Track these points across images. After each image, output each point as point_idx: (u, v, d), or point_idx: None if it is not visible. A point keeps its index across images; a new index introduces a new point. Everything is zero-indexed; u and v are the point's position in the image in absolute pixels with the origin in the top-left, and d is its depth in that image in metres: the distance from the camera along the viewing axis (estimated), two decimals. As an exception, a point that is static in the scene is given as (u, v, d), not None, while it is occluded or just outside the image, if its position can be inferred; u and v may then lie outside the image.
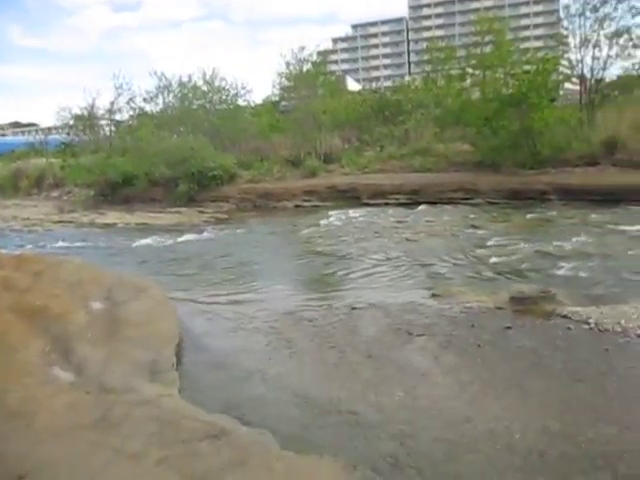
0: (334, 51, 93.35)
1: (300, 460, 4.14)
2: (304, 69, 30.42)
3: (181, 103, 33.02)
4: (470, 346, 6.54)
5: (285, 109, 34.90)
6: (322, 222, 16.97)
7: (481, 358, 6.22)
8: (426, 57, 36.27)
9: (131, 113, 35.10)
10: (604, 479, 4.12)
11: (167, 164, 25.38)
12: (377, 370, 6.09)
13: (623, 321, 6.87)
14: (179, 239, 16.03)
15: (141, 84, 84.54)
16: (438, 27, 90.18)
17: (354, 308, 8.18)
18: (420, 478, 4.24)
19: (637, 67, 24.50)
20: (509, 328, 6.99)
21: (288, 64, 30.28)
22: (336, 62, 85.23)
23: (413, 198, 19.14)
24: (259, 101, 37.04)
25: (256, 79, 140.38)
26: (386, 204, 19.29)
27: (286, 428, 4.97)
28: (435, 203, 18.32)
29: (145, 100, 33.83)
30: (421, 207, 17.96)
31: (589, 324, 6.89)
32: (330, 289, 9.81)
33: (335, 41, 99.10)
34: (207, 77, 32.29)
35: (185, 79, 32.75)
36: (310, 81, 30.28)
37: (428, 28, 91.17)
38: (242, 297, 9.28)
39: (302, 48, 30.17)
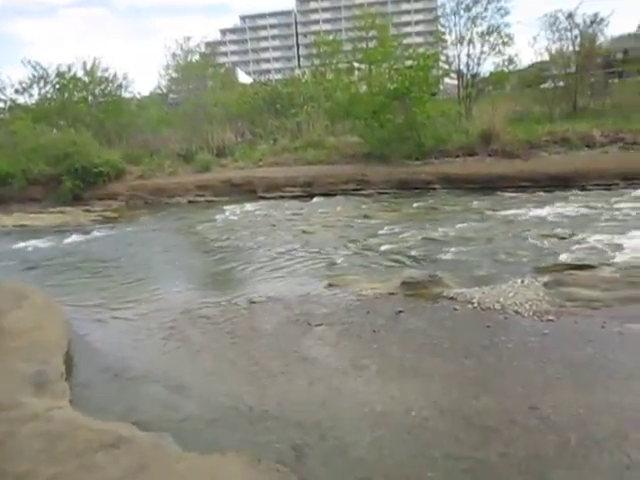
0: (223, 42, 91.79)
1: (203, 460, 4.11)
2: (191, 60, 29.69)
3: (60, 95, 30.90)
4: (366, 332, 6.82)
5: (174, 102, 33.89)
6: (218, 217, 16.75)
7: (376, 343, 6.51)
8: (315, 51, 36.81)
9: (1, 105, 32.29)
10: (488, 446, 4.50)
11: (47, 160, 23.71)
12: (278, 362, 6.17)
13: (502, 299, 7.50)
14: (65, 241, 15.07)
15: (12, 74, 78.03)
16: (325, 21, 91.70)
17: (253, 302, 8.21)
18: (325, 465, 4.37)
19: (507, 63, 26.58)
20: (401, 312, 7.37)
21: (174, 55, 29.41)
22: (225, 54, 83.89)
23: (307, 190, 19.44)
24: (146, 93, 35.62)
25: (142, 70, 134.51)
26: (281, 197, 19.43)
27: (187, 429, 4.91)
28: (329, 195, 18.73)
29: (17, 91, 31.27)
30: (315, 199, 18.29)
31: (473, 304, 7.44)
32: (228, 284, 9.74)
33: (223, 32, 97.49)
34: (88, 67, 30.48)
35: (64, 69, 30.68)
36: (198, 73, 29.62)
37: (316, 22, 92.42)
38: (136, 298, 8.95)
39: (188, 38, 29.43)
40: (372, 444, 4.61)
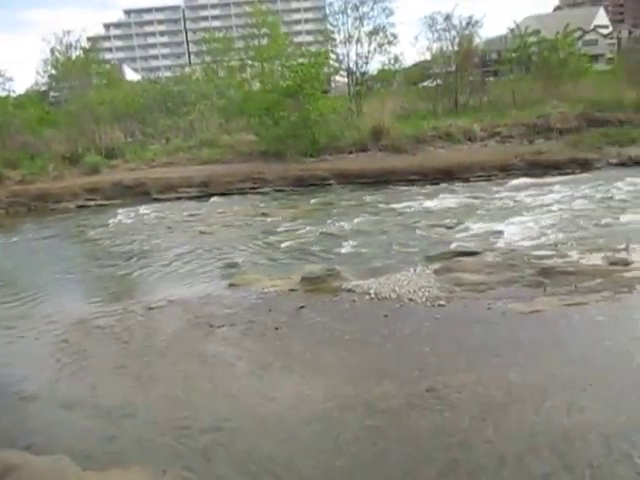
0: (107, 38, 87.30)
1: (104, 477, 3.96)
2: (72, 56, 27.97)
3: None
4: (268, 330, 6.87)
5: (56, 100, 31.77)
6: (110, 221, 15.96)
7: (279, 340, 6.59)
8: (205, 48, 36.13)
9: None
10: (391, 429, 4.72)
11: None
12: (180, 368, 6.05)
13: (397, 288, 7.86)
14: None
15: None
16: (215, 17, 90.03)
17: (151, 308, 7.96)
18: (235, 467, 4.35)
19: (393, 62, 27.72)
20: (303, 308, 7.49)
21: (53, 50, 27.56)
22: (110, 50, 79.93)
23: (204, 190, 19.06)
24: (22, 91, 33.06)
25: (16, 67, 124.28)
26: (177, 198, 18.90)
27: (87, 446, 4.69)
28: (226, 194, 18.51)
29: None
30: (213, 199, 17.99)
31: (370, 295, 7.74)
32: (125, 291, 9.34)
33: (107, 27, 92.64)
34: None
35: None
36: (81, 69, 27.96)
37: (205, 18, 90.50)
38: (24, 312, 8.34)
39: (68, 32, 27.68)
40: (281, 440, 4.67)
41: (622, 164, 17.74)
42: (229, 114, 27.96)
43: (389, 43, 26.58)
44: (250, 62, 30.27)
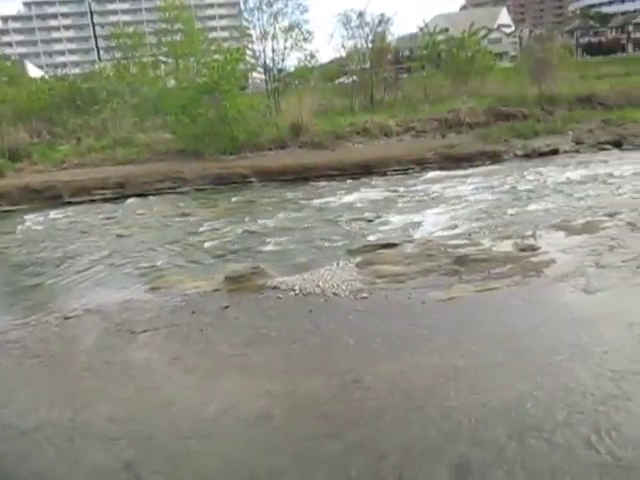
0: (5, 31, 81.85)
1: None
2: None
3: None
4: (193, 332, 6.76)
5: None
6: (18, 228, 14.99)
7: (204, 342, 6.49)
8: (115, 43, 34.73)
9: None
10: (322, 423, 4.79)
11: None
12: (100, 379, 5.82)
13: (321, 283, 7.97)
14: None
15: None
16: (125, 12, 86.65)
17: (67, 318, 7.58)
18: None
19: (309, 58, 27.92)
20: (227, 307, 7.43)
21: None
22: (10, 45, 75.03)
23: (120, 192, 18.34)
24: None
25: None
26: (92, 201, 18.06)
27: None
28: (144, 195, 17.91)
29: None
30: (130, 200, 17.36)
31: (295, 291, 7.79)
32: (38, 302, 8.81)
33: (5, 20, 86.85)
34: None
35: None
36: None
37: (114, 12, 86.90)
38: None
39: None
40: (212, 446, 4.61)
41: (527, 156, 18.87)
42: (144, 112, 27.05)
43: (304, 40, 26.78)
44: (164, 58, 29.41)
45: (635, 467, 3.93)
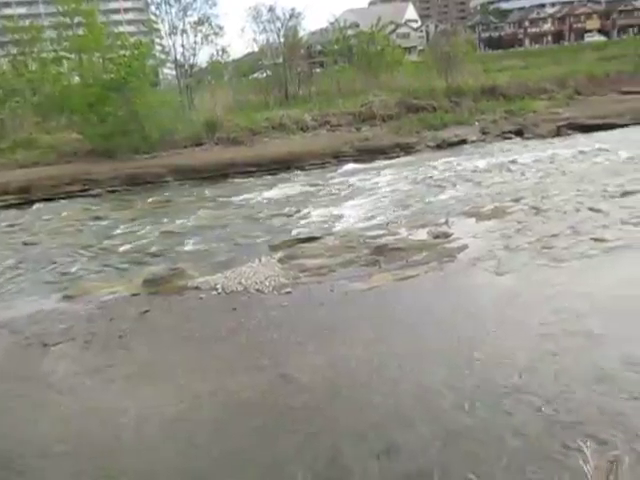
0: None
1: None
2: None
3: None
4: (112, 339, 6.50)
5: None
6: None
7: (124, 348, 6.27)
8: (9, 38, 32.46)
9: None
10: (249, 420, 4.77)
11: None
12: (8, 397, 5.47)
13: (243, 280, 7.90)
14: None
15: None
16: (19, 4, 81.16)
17: (-31, 335, 7.06)
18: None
19: (221, 53, 27.49)
20: (147, 311, 7.20)
21: None
22: None
23: (25, 197, 17.20)
24: None
25: None
26: (-9, 208, 16.85)
27: None
28: (52, 199, 16.91)
29: None
30: (37, 205, 16.34)
31: (217, 290, 7.69)
32: None
33: None
34: None
35: None
36: None
37: (7, 4, 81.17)
38: None
39: None
40: (135, 453, 4.47)
41: (438, 146, 19.61)
42: (47, 111, 25.50)
43: (215, 34, 26.30)
44: (66, 54, 27.85)
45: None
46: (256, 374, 5.45)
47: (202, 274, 8.36)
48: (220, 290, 7.66)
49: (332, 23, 36.19)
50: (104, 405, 5.15)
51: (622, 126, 20.19)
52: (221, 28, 26.47)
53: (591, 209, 10.03)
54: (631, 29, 63.40)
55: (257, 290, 7.59)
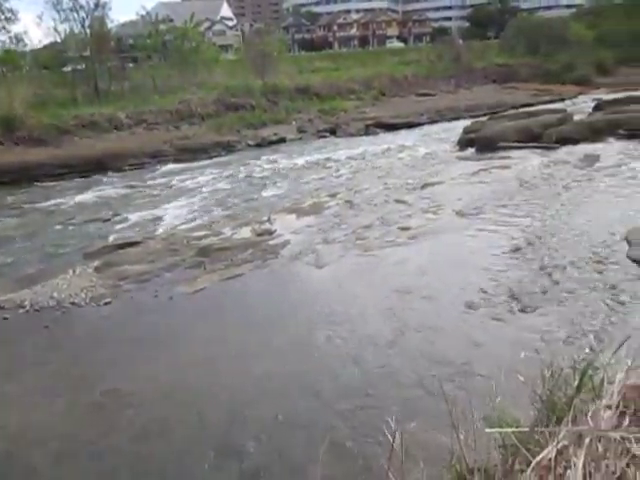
0: None
1: None
2: None
3: None
4: None
5: None
6: None
7: None
8: None
9: None
10: (72, 447, 4.45)
11: None
12: None
13: (56, 294, 7.27)
14: None
15: None
16: None
17: None
18: None
19: (15, 42, 24.70)
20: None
21: None
22: None
23: None
24: None
25: None
26: None
27: None
28: None
29: None
30: None
31: (25, 307, 6.97)
32: None
33: None
34: None
35: None
36: None
37: None
38: None
39: None
40: None
41: (258, 145, 19.97)
42: None
43: (7, 20, 23.56)
44: None
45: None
46: (76, 396, 5.08)
47: (5, 291, 7.50)
48: (28, 307, 6.96)
49: (143, 16, 34.63)
50: None
51: (421, 124, 22.58)
52: (14, 13, 23.80)
53: (397, 201, 11.10)
54: (424, 37, 70.84)
55: (72, 304, 7.04)
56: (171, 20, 37.41)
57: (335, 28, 77.89)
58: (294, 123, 22.97)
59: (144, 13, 34.78)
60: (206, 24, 40.97)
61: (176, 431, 4.51)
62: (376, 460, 3.70)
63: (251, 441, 4.30)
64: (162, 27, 32.49)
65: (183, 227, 10.35)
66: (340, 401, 4.71)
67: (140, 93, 25.82)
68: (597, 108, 20.15)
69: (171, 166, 17.16)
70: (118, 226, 10.72)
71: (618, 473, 1.16)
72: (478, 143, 16.03)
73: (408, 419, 3.52)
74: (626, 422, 1.33)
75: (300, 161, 16.48)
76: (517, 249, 7.92)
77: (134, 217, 11.30)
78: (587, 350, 4.52)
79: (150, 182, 14.98)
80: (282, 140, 20.53)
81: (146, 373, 5.39)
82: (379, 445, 3.88)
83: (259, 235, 9.44)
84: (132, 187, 14.46)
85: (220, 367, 5.43)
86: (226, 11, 76.31)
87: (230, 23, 71.20)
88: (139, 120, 22.11)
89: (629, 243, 7.64)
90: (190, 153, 18.39)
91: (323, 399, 4.76)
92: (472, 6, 74.21)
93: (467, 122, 19.51)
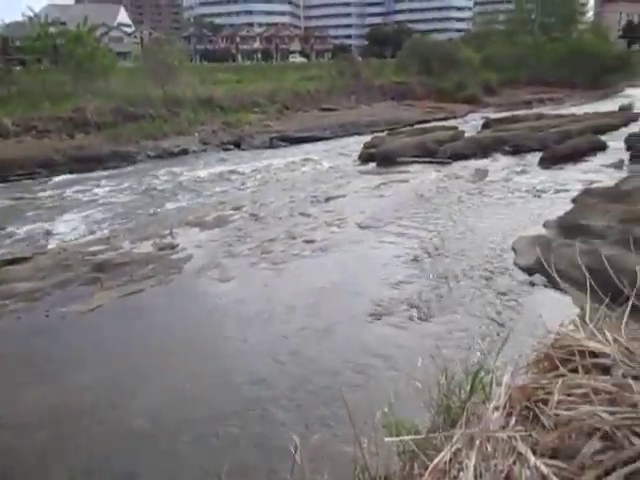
0: None
1: None
2: None
3: None
4: None
5: None
6: None
7: None
8: None
9: None
10: None
11: None
12: None
13: None
14: None
15: None
16: None
17: None
18: None
19: None
20: None
21: None
22: None
23: None
24: None
25: None
26: None
27: None
28: None
29: None
30: None
31: None
32: None
33: None
34: None
35: None
36: None
37: None
38: None
39: None
40: None
41: (159, 156, 19.38)
42: None
43: None
44: None
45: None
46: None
47: None
48: None
49: (31, 18, 32.53)
50: None
51: (324, 139, 23.03)
52: None
53: (302, 214, 11.22)
54: (326, 53, 72.65)
55: (-51, 327, 6.43)
56: (63, 23, 35.47)
57: (238, 40, 77.80)
58: (197, 135, 22.54)
59: (31, 14, 32.62)
60: (102, 29, 39.27)
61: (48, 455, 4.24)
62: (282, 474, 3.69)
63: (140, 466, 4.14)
64: (52, 30, 30.68)
65: (78, 241, 9.80)
66: (242, 417, 4.65)
67: (29, 98, 24.17)
68: (485, 126, 21.80)
69: (64, 177, 16.20)
70: (4, 241, 9.93)
71: (506, 471, 1.24)
72: (378, 158, 16.64)
73: (312, 431, 3.55)
74: (512, 422, 1.43)
75: (203, 173, 16.20)
76: (416, 259, 8.28)
77: (22, 231, 10.54)
78: (479, 354, 4.79)
79: (41, 194, 14.03)
80: (184, 152, 20.07)
81: (31, 400, 5.02)
82: (282, 460, 3.87)
83: (161, 249, 9.14)
84: (19, 199, 13.48)
85: (111, 389, 5.17)
86: (124, 17, 73.84)
87: (128, 30, 68.85)
88: (28, 127, 20.68)
89: (515, 251, 8.25)
90: (85, 163, 17.44)
91: (222, 416, 4.69)
92: (370, 25, 77.31)
93: (367, 137, 20.17)
